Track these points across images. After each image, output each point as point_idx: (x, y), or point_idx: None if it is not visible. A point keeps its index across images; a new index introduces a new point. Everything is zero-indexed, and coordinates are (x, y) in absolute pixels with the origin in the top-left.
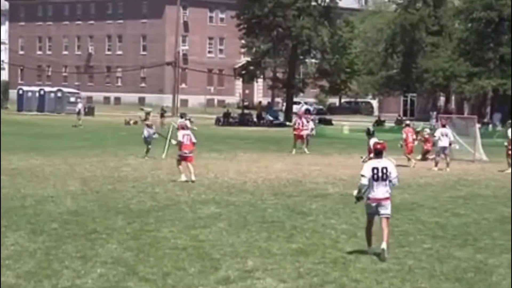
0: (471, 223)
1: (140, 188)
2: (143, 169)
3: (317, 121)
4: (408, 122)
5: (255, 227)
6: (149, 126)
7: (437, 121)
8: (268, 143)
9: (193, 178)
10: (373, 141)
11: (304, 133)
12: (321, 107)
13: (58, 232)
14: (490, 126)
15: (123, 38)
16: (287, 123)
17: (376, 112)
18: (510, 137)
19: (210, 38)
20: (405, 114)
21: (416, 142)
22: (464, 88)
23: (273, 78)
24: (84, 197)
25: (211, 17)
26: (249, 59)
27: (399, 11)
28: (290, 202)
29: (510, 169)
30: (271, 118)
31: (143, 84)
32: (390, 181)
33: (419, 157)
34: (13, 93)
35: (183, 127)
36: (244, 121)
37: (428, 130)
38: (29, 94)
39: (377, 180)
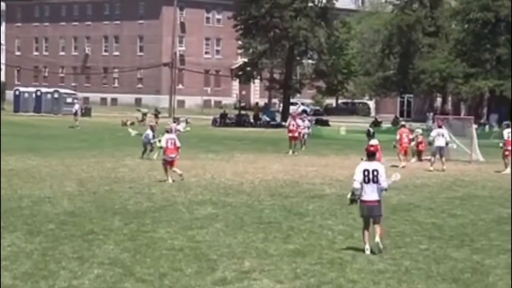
0: (467, 224)
1: (137, 189)
2: (140, 170)
3: (313, 122)
4: (403, 123)
5: (252, 228)
6: (152, 128)
7: (433, 122)
8: (265, 144)
9: (178, 172)
10: (373, 142)
11: (302, 132)
12: (318, 108)
13: (55, 233)
14: (487, 127)
15: (120, 39)
16: (283, 123)
17: (373, 113)
18: (506, 138)
19: (207, 39)
20: (401, 115)
21: (412, 143)
22: (460, 89)
23: (270, 79)
24: (81, 198)
25: (208, 18)
26: (246, 60)
27: (395, 12)
28: (287, 203)
29: (508, 169)
30: (268, 119)
31: (140, 85)
32: (380, 184)
33: (414, 159)
34: (9, 94)
35: (168, 131)
36: (241, 122)
37: (420, 131)
38: (26, 95)
39: (367, 182)
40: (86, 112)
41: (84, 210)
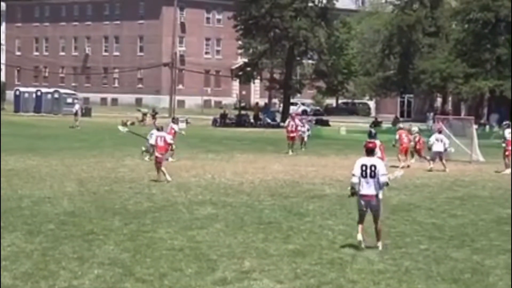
0: (468, 224)
1: (137, 189)
2: (140, 170)
3: (314, 122)
4: (401, 125)
5: (252, 228)
6: (158, 128)
7: (434, 122)
8: (265, 144)
9: (169, 178)
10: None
11: (300, 132)
12: (318, 108)
13: (55, 233)
14: (487, 127)
15: (120, 39)
16: (281, 124)
17: (373, 113)
18: (507, 138)
19: (207, 39)
20: (402, 115)
21: (412, 142)
22: (461, 89)
23: (270, 79)
24: (81, 198)
25: (208, 18)
26: (246, 60)
27: (396, 12)
28: (287, 203)
29: (508, 170)
30: (268, 120)
31: (140, 85)
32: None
33: (413, 160)
34: (10, 94)
35: (158, 129)
36: (241, 122)
37: (416, 129)
38: (26, 95)
39: (365, 177)
40: (86, 112)
41: (84, 210)
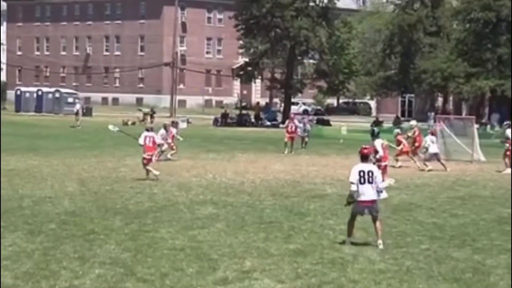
0: (469, 224)
1: (138, 189)
2: (141, 169)
3: (314, 122)
4: (398, 130)
5: (253, 227)
6: (165, 127)
7: (435, 121)
8: (266, 143)
9: (156, 173)
10: (378, 142)
11: (299, 132)
12: (319, 107)
13: (56, 232)
14: (488, 126)
15: (121, 39)
16: (281, 125)
17: (374, 113)
18: (510, 137)
19: (208, 39)
20: (403, 114)
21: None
22: (462, 88)
23: (271, 79)
24: (82, 198)
25: (209, 18)
26: (247, 59)
27: (397, 11)
28: (288, 203)
29: (508, 169)
30: (267, 123)
31: (141, 85)
32: (376, 184)
33: (418, 164)
34: (11, 94)
35: (148, 129)
36: (242, 121)
37: (414, 122)
38: (27, 94)
39: (363, 183)
40: (87, 111)
41: (85, 210)
